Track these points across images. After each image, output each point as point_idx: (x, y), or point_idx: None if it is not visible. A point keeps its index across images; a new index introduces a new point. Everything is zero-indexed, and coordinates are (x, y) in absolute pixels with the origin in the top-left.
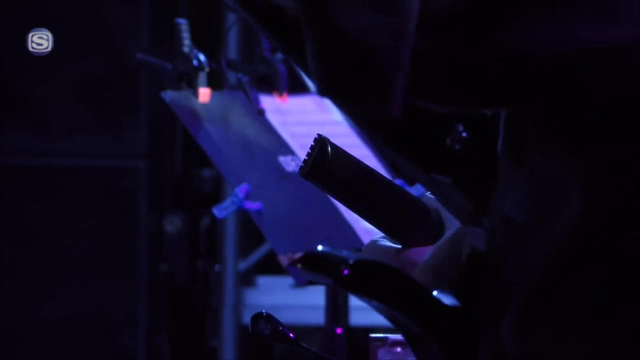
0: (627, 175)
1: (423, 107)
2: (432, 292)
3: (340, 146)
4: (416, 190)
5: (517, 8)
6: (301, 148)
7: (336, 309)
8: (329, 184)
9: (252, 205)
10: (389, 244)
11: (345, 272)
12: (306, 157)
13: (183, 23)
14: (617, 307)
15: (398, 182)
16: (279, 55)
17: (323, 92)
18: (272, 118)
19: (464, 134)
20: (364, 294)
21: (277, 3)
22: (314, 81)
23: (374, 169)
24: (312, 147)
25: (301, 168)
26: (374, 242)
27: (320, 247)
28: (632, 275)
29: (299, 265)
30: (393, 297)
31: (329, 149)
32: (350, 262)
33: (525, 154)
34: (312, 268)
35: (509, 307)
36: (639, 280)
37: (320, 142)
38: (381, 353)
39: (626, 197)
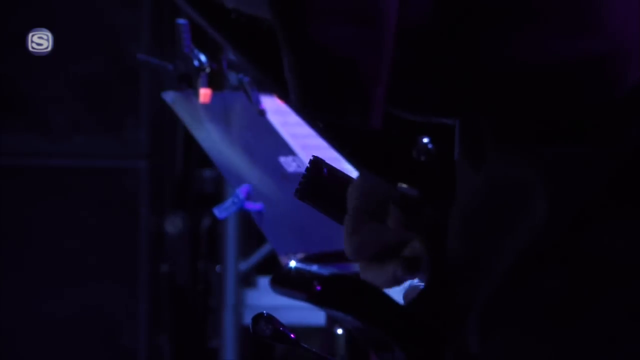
0: (590, 176)
1: (401, 116)
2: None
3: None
4: None
5: (492, 22)
6: (302, 149)
7: None
8: (325, 205)
9: (253, 206)
10: None
11: (318, 287)
12: (302, 179)
13: (184, 24)
14: (579, 308)
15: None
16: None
17: (301, 106)
18: (273, 119)
19: (429, 146)
20: (337, 309)
21: (251, 15)
22: (290, 95)
23: None
24: (307, 169)
25: (297, 190)
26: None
27: (293, 263)
28: (594, 276)
29: (270, 283)
30: (367, 312)
31: (325, 170)
32: (323, 277)
33: (483, 158)
34: (284, 285)
35: (473, 309)
36: (602, 280)
37: (315, 163)
38: None
39: (589, 199)
